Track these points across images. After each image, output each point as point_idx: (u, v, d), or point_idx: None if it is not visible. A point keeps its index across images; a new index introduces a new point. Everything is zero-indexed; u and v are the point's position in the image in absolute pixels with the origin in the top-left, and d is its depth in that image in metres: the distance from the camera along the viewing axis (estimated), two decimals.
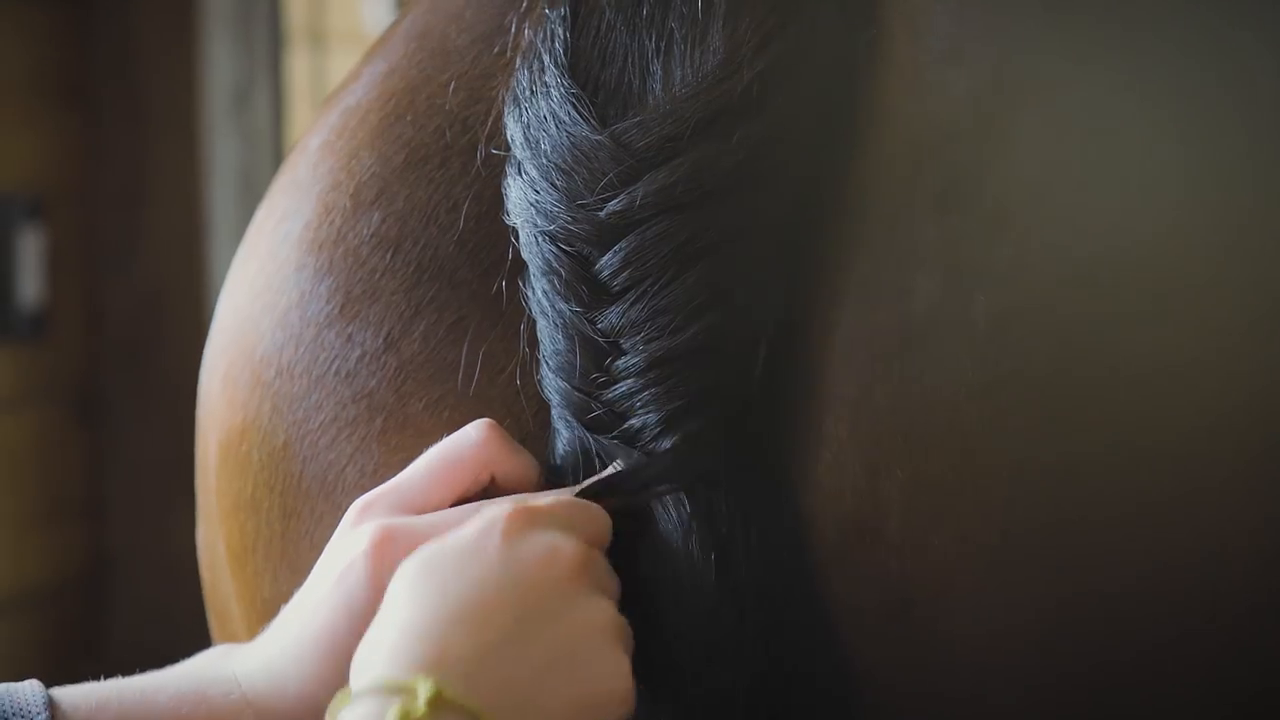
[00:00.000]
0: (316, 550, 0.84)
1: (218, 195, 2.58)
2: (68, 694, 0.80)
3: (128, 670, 0.82)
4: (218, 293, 0.95)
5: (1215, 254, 0.75)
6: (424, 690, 0.67)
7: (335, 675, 0.76)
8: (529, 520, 0.74)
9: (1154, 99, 0.77)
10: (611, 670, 0.73)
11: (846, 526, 0.77)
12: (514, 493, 0.80)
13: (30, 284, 2.45)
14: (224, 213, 2.57)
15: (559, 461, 0.80)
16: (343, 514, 0.82)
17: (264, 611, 0.87)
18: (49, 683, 0.81)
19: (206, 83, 2.58)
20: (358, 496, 0.82)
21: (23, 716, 0.78)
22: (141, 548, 2.57)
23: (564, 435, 0.80)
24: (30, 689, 0.80)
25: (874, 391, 0.76)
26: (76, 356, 2.56)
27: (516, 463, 0.80)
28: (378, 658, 0.70)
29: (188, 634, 2.75)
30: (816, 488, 0.77)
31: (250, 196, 2.58)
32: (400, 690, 0.67)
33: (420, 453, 0.81)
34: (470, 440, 0.79)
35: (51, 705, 0.79)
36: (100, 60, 2.58)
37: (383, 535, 0.77)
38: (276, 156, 2.61)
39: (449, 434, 0.81)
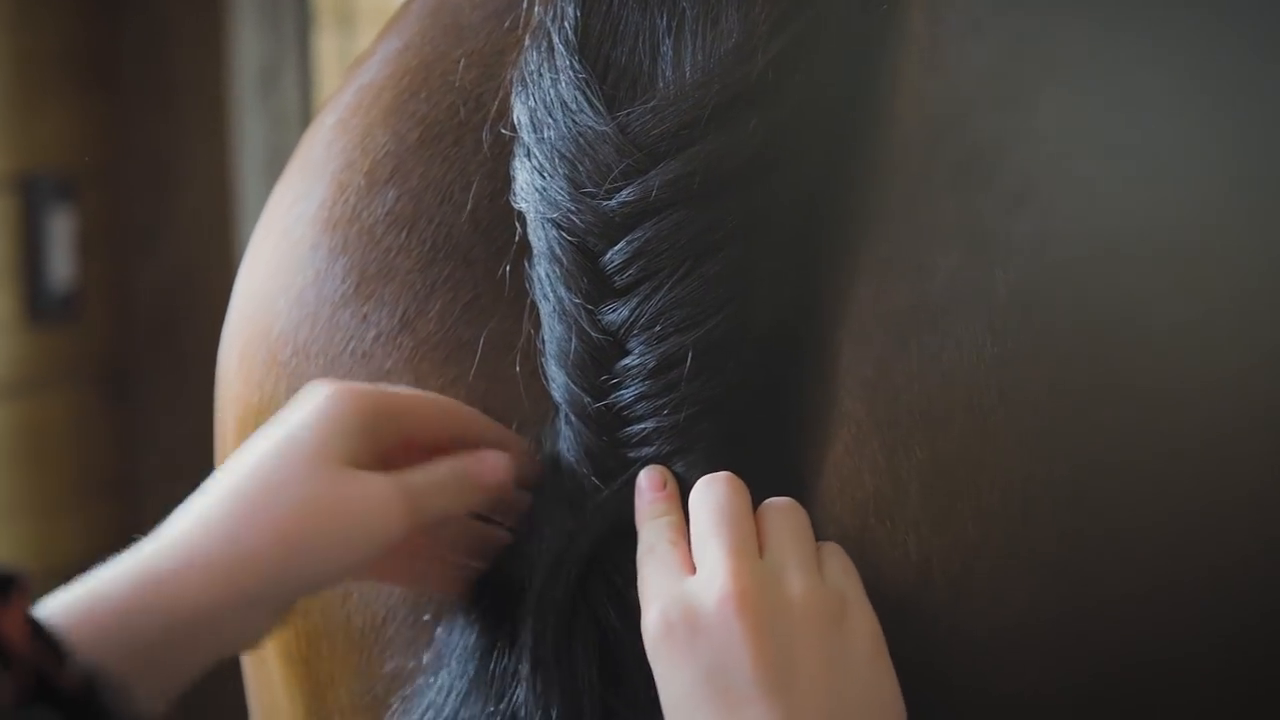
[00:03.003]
0: None
1: (246, 176, 2.58)
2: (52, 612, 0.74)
3: None
4: None
5: (1242, 227, 0.74)
6: None
7: (250, 529, 0.75)
8: (753, 581, 0.73)
9: (1178, 68, 0.76)
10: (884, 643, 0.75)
11: (865, 506, 0.76)
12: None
13: (60, 265, 2.45)
14: (252, 193, 2.57)
15: (559, 457, 0.79)
16: None
17: None
18: None
19: (235, 63, 2.58)
20: None
21: None
22: None
23: (564, 431, 0.79)
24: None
25: (892, 370, 0.75)
26: (106, 337, 2.56)
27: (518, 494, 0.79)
28: None
29: None
30: (835, 468, 0.76)
31: (278, 177, 2.58)
32: None
33: None
34: (494, 465, 0.79)
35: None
36: (129, 41, 2.58)
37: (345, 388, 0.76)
38: None
39: None
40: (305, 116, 2.64)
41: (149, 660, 0.72)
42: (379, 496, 0.76)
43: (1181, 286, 0.74)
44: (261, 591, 0.75)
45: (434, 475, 0.78)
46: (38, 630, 0.55)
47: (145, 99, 2.58)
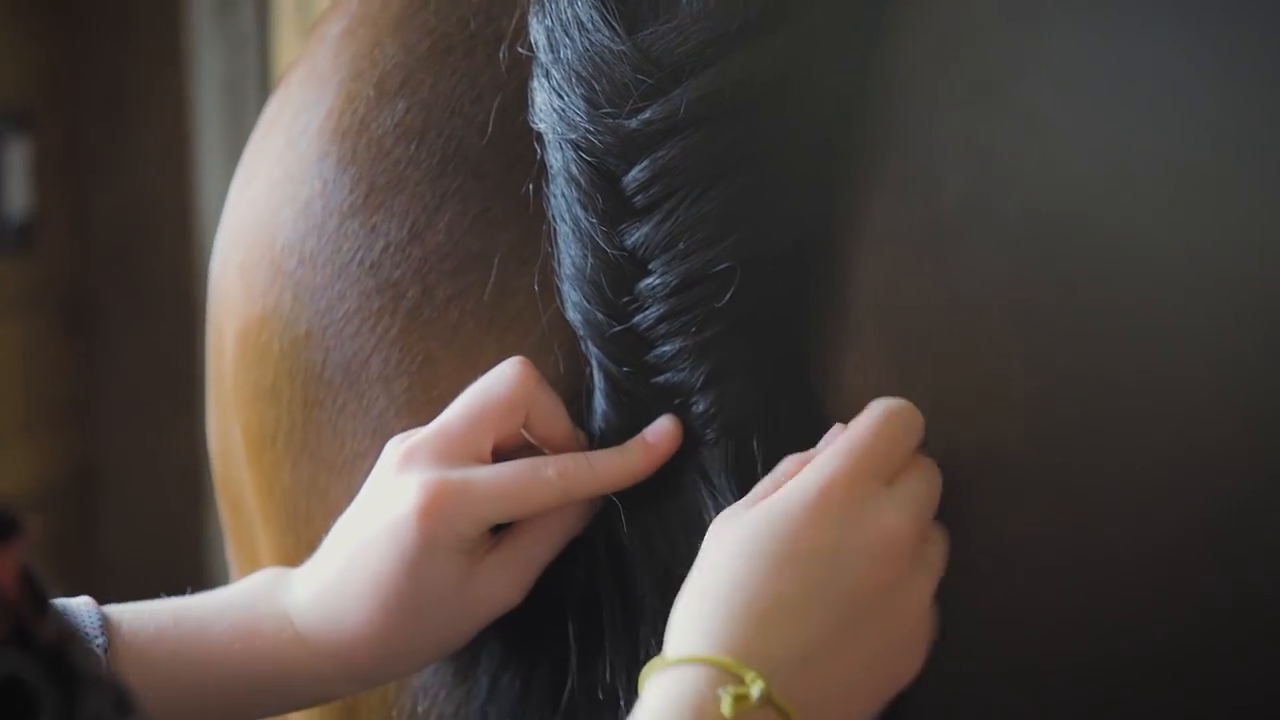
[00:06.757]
0: (339, 439, 0.84)
1: (203, 103, 2.56)
2: (125, 616, 0.79)
3: (115, 573, 0.81)
4: (205, 200, 0.95)
5: (1257, 154, 0.74)
6: (756, 689, 0.67)
7: (388, 621, 0.78)
8: (857, 489, 0.72)
9: None
10: (920, 655, 0.73)
11: None
12: (547, 434, 0.79)
13: (18, 194, 2.44)
14: (210, 120, 2.55)
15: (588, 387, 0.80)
16: (366, 404, 0.82)
17: (282, 500, 0.87)
18: None
19: None
20: (382, 388, 0.82)
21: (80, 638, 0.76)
22: (129, 454, 2.57)
23: (590, 361, 0.79)
24: (85, 608, 0.78)
25: (902, 287, 0.75)
26: (64, 265, 2.55)
27: (549, 399, 0.79)
28: (698, 631, 0.69)
29: (175, 539, 2.76)
30: (844, 388, 0.77)
31: (236, 103, 2.56)
32: (727, 677, 0.67)
33: (446, 345, 0.81)
34: (506, 378, 0.79)
35: (108, 627, 0.78)
36: None
37: (436, 493, 0.77)
38: (262, 63, 2.60)
39: (473, 326, 0.81)
40: (261, 43, 2.62)
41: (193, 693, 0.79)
42: (495, 592, 0.79)
43: (1191, 209, 0.73)
44: (371, 672, 0.81)
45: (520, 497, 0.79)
46: (28, 578, 0.56)
47: (102, 27, 2.56)
